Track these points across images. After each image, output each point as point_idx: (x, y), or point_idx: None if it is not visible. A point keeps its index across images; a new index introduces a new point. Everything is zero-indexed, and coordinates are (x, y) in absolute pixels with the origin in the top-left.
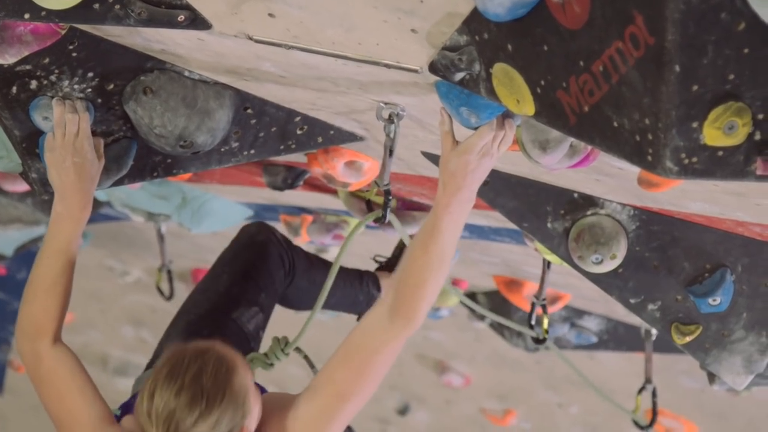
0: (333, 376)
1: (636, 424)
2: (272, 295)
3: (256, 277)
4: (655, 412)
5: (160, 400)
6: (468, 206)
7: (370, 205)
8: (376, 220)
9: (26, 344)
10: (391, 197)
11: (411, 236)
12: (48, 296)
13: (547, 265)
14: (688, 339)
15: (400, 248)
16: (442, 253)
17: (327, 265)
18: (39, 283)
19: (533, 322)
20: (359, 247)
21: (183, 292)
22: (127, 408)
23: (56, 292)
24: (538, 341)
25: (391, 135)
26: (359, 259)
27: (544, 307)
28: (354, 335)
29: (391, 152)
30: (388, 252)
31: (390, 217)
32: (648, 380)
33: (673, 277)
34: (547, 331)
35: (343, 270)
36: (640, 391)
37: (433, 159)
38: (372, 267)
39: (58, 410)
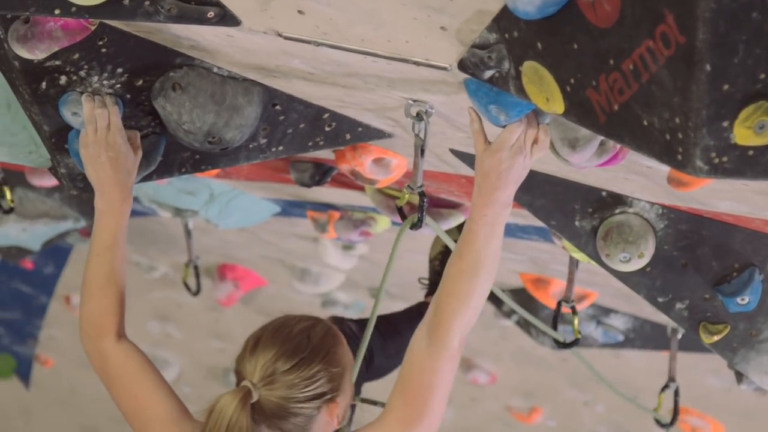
0: (393, 408)
1: (658, 422)
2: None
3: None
4: (676, 411)
5: (265, 346)
6: (505, 211)
7: (402, 211)
8: (412, 226)
9: (90, 345)
10: (426, 200)
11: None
12: (104, 294)
13: (575, 264)
14: (716, 338)
15: (434, 263)
16: (477, 260)
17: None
18: (93, 282)
19: (558, 322)
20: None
21: (209, 287)
22: None
23: (111, 288)
24: (566, 345)
25: (421, 134)
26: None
27: (573, 308)
28: (404, 362)
29: (422, 152)
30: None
31: (428, 221)
32: (672, 379)
33: (701, 276)
34: (579, 332)
35: (401, 316)
36: (663, 389)
37: (462, 157)
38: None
39: (133, 408)
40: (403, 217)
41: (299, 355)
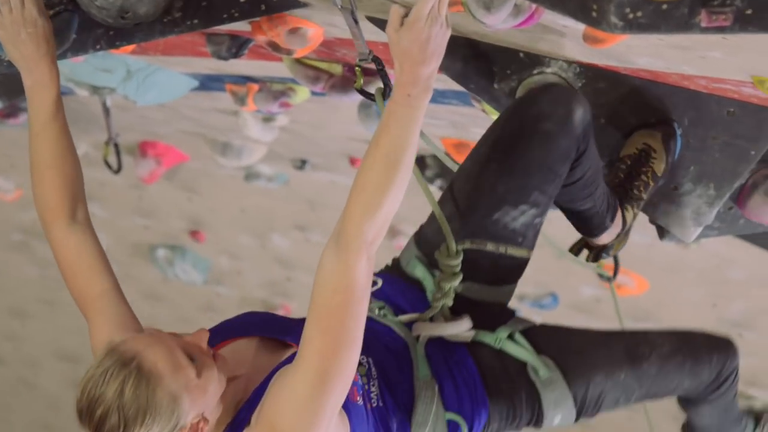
0: (309, 339)
1: (601, 276)
2: (551, 189)
3: (530, 174)
4: (617, 264)
5: (86, 408)
6: (427, 93)
7: (363, 92)
8: (384, 97)
9: (46, 232)
10: (382, 64)
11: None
12: (55, 173)
13: None
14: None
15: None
16: (396, 148)
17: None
18: (40, 163)
19: None
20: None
21: (131, 165)
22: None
23: (60, 165)
24: None
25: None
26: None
27: None
28: (314, 283)
29: (355, 20)
30: None
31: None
32: None
33: (621, 134)
34: None
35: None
36: None
37: (379, 24)
38: None
39: (81, 299)
40: (366, 95)
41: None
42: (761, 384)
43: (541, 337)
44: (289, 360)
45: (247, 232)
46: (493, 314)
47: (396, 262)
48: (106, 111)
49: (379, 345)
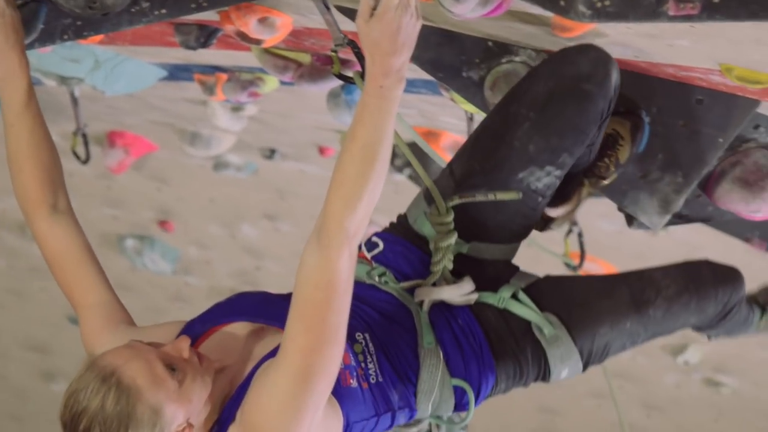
0: (292, 336)
1: (567, 265)
2: (577, 152)
3: (563, 136)
4: (583, 251)
5: (69, 421)
6: (400, 84)
7: (342, 76)
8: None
9: (29, 224)
10: (358, 47)
11: None
12: (32, 163)
13: (470, 116)
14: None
15: None
16: (372, 141)
17: None
18: (17, 154)
19: None
20: None
21: (99, 155)
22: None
23: (38, 155)
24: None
25: None
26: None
27: None
28: (296, 279)
29: (327, 7)
30: None
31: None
32: (574, 222)
33: None
34: None
35: None
36: (568, 234)
37: (347, 13)
38: None
39: (68, 290)
40: (344, 78)
41: None
42: (729, 370)
43: (545, 293)
44: (276, 351)
45: (216, 222)
46: (496, 272)
47: (402, 219)
48: (74, 101)
49: (380, 315)
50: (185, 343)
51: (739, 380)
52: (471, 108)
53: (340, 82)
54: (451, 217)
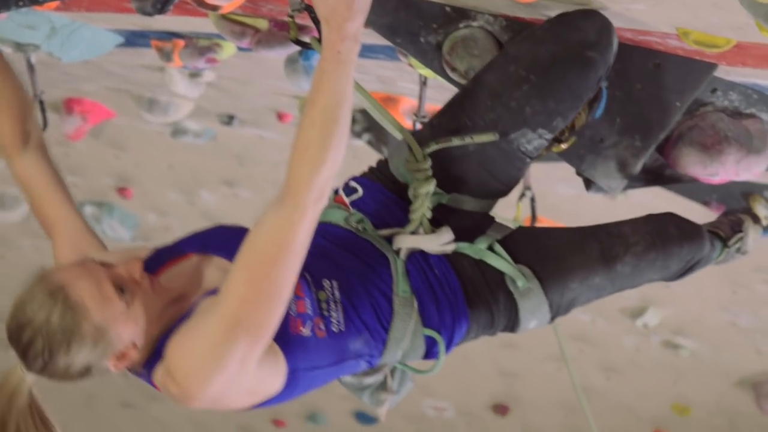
0: (235, 283)
1: None
2: (570, 117)
3: (561, 100)
4: (534, 217)
5: (14, 330)
6: (356, 46)
7: (299, 42)
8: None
9: (11, 166)
10: (314, 12)
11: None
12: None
13: (423, 81)
14: (563, 146)
15: None
16: (332, 105)
17: None
18: None
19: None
20: None
21: (57, 122)
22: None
23: (2, 93)
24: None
25: None
26: None
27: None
28: (252, 229)
29: None
30: None
31: None
32: (527, 187)
33: None
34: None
35: None
36: (520, 198)
37: None
38: None
39: (43, 220)
40: (301, 44)
41: (40, 357)
42: (688, 333)
43: (520, 245)
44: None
45: (174, 189)
46: (474, 222)
47: (382, 164)
48: (31, 68)
49: (357, 260)
50: (137, 265)
51: (698, 343)
52: (429, 73)
53: (297, 48)
54: (428, 164)
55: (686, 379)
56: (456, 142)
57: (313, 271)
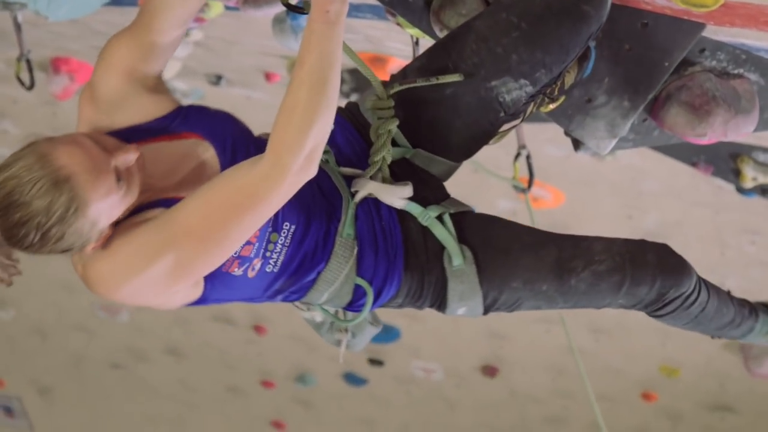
0: (189, 214)
1: (516, 188)
2: (555, 71)
3: (549, 52)
4: (531, 174)
5: (1, 202)
6: (344, 7)
7: (289, 5)
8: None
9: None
10: None
11: None
12: None
13: (415, 41)
14: (551, 106)
15: None
16: (322, 65)
17: None
18: None
19: None
20: None
21: (44, 81)
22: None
23: None
24: None
25: None
26: None
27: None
28: (228, 172)
29: None
30: None
31: None
32: (522, 146)
33: None
34: None
35: None
36: (516, 158)
37: None
38: None
39: None
40: (292, 8)
41: (28, 244)
42: None
43: (472, 227)
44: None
45: None
46: (431, 190)
47: (352, 105)
48: (17, 27)
49: (318, 193)
50: (134, 155)
51: None
52: (417, 33)
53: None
54: (391, 104)
55: (674, 340)
56: (420, 82)
57: (280, 211)
